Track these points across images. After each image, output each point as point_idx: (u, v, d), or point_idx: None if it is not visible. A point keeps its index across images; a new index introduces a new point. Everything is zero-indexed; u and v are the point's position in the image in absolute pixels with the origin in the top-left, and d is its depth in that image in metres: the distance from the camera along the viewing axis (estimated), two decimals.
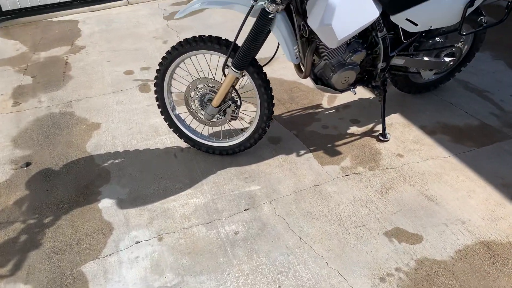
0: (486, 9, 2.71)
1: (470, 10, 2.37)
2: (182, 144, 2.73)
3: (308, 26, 2.15)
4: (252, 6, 2.05)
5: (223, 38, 2.28)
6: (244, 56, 2.18)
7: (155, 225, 2.17)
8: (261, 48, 2.23)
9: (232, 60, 2.24)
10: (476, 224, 2.06)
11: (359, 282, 1.83)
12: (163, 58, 2.38)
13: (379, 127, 2.77)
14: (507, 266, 1.86)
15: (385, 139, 2.64)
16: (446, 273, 1.84)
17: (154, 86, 2.49)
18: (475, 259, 1.89)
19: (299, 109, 3.03)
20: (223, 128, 2.80)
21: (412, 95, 3.07)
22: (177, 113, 2.60)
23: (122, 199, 2.34)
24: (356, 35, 2.33)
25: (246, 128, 2.56)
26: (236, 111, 2.42)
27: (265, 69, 2.33)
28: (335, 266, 1.90)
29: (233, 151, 2.58)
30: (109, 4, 5.21)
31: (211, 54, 2.33)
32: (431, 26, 2.38)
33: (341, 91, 2.47)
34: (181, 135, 2.62)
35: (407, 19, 2.32)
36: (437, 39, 2.61)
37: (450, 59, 2.67)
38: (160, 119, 2.98)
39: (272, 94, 2.35)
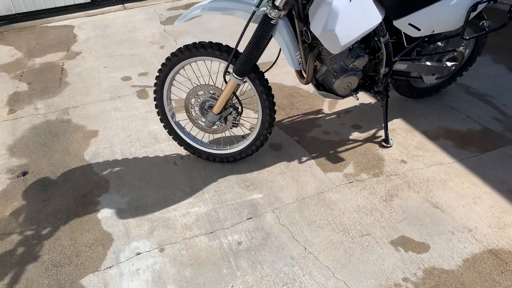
0: (485, 13, 2.68)
1: (473, 14, 2.35)
2: (182, 151, 2.69)
3: (311, 32, 2.12)
4: (254, 12, 2.02)
5: (224, 44, 2.24)
6: (245, 63, 2.14)
7: (156, 236, 2.12)
8: None
9: (233, 66, 2.20)
10: (483, 231, 2.03)
11: None
12: (163, 64, 2.34)
13: (381, 133, 2.74)
14: None
15: (388, 145, 2.61)
16: (454, 283, 1.80)
17: (154, 93, 2.45)
18: (483, 268, 1.86)
19: (299, 114, 3.00)
20: (223, 135, 2.75)
21: (414, 99, 3.05)
22: (177, 120, 2.56)
23: (122, 209, 2.29)
24: (358, 40, 2.30)
25: (247, 134, 2.52)
26: (238, 118, 2.38)
27: (265, 75, 2.29)
28: (341, 276, 1.86)
29: (234, 159, 2.54)
30: (104, 9, 5.17)
31: (211, 61, 2.29)
32: (433, 31, 2.35)
33: (343, 96, 2.44)
34: (181, 142, 2.58)
35: (409, 24, 2.29)
36: (439, 43, 2.58)
37: (452, 63, 2.64)
38: (159, 126, 2.94)
39: (274, 100, 2.32)
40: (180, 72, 2.39)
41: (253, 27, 2.12)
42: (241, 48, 2.55)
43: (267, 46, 2.15)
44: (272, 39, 2.15)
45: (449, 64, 2.64)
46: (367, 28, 2.11)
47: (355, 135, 2.74)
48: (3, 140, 2.89)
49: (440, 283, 1.81)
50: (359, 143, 2.66)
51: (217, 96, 2.35)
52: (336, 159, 2.54)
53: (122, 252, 2.04)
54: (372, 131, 2.76)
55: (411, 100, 3.05)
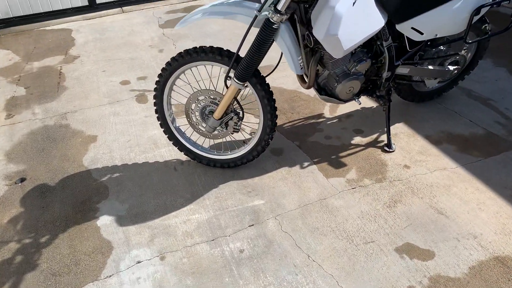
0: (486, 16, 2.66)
1: (476, 18, 2.33)
2: (182, 156, 2.66)
3: (313, 36, 2.09)
4: (256, 17, 1.99)
5: (225, 48, 2.21)
6: (247, 68, 2.12)
7: (156, 243, 2.09)
8: None
9: (234, 71, 2.17)
10: (488, 238, 2.00)
11: None
12: (163, 69, 2.31)
13: (383, 137, 2.72)
14: None
15: (390, 150, 2.59)
16: None
17: (154, 98, 2.42)
18: (490, 275, 1.83)
19: (300, 119, 2.97)
20: (224, 140, 2.72)
21: (416, 103, 3.03)
22: (177, 125, 2.53)
23: (122, 216, 2.26)
24: (360, 44, 2.27)
25: (248, 139, 2.49)
26: (239, 123, 2.35)
27: (266, 79, 2.26)
28: (345, 285, 1.83)
29: (235, 164, 2.51)
30: (102, 12, 5.13)
31: (212, 66, 2.26)
32: (436, 35, 2.33)
33: (345, 101, 2.42)
34: (182, 148, 2.54)
35: (412, 28, 2.27)
36: (441, 47, 2.56)
37: (454, 67, 2.62)
38: (158, 131, 2.90)
39: (276, 105, 2.29)
40: (180, 77, 2.36)
41: (253, 30, 2.10)
42: (241, 52, 2.52)
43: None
44: (273, 43, 2.12)
45: (451, 68, 2.62)
46: (370, 32, 2.08)
47: (357, 139, 2.71)
48: (0, 145, 2.85)
49: None
50: (361, 148, 2.64)
51: (218, 101, 2.32)
52: (338, 164, 2.51)
53: (122, 260, 2.01)
54: (374, 136, 2.73)
55: (413, 104, 3.03)
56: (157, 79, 2.35)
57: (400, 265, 1.90)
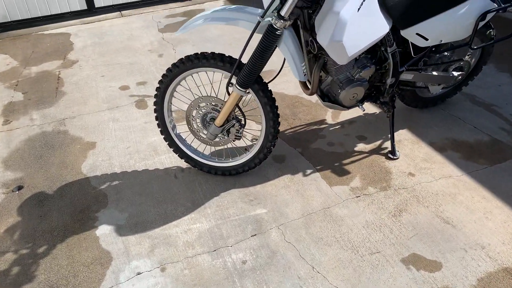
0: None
1: (481, 23, 2.29)
2: (182, 164, 2.61)
3: (317, 42, 2.06)
4: (259, 23, 1.95)
5: (226, 54, 2.17)
6: (249, 74, 2.07)
7: (157, 254, 2.04)
8: None
9: (236, 78, 2.13)
10: (496, 249, 1.96)
11: None
12: (163, 76, 2.27)
13: (387, 144, 2.68)
14: None
15: (394, 157, 2.54)
16: None
17: (154, 105, 2.37)
18: None
19: (302, 125, 2.93)
20: (225, 147, 2.68)
21: (419, 109, 2.99)
22: (177, 132, 2.48)
23: (121, 225, 2.21)
24: (365, 50, 2.23)
25: (250, 146, 2.45)
26: (240, 130, 2.31)
27: (268, 85, 2.22)
28: None
29: (236, 172, 2.46)
30: (101, 16, 5.09)
31: (213, 72, 2.22)
32: (441, 41, 2.30)
33: (349, 107, 2.38)
34: (182, 155, 2.50)
35: (417, 34, 2.24)
36: (445, 53, 2.53)
37: (458, 73, 2.59)
38: (158, 137, 2.86)
39: (278, 112, 2.25)
40: (181, 83, 2.32)
41: (255, 36, 2.06)
42: (241, 58, 2.48)
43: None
44: (276, 49, 2.08)
45: (455, 73, 2.58)
46: (375, 38, 2.05)
47: (361, 146, 2.67)
48: None
49: None
50: (365, 155, 2.60)
51: (219, 108, 2.28)
52: (341, 172, 2.47)
53: (122, 271, 1.96)
54: (378, 142, 2.69)
55: (416, 110, 2.99)
56: (158, 85, 2.31)
57: (407, 277, 1.85)
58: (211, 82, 2.39)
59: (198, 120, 2.36)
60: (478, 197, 2.25)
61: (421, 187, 2.33)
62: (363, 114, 2.99)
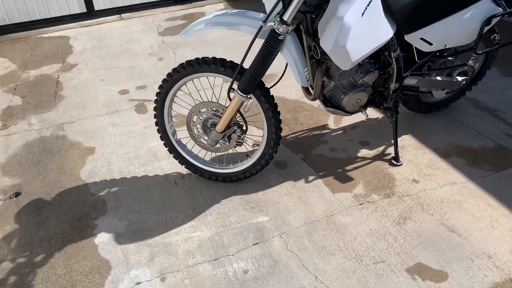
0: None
1: (487, 28, 2.26)
2: (183, 170, 2.57)
3: (320, 47, 2.02)
4: (261, 27, 1.91)
5: (225, 57, 2.13)
6: (251, 80, 2.04)
7: (156, 263, 2.00)
8: None
9: (238, 83, 2.09)
10: (503, 258, 1.92)
11: None
12: (164, 81, 2.23)
13: (390, 150, 2.64)
14: None
15: (398, 163, 2.51)
16: None
17: (154, 110, 2.34)
18: None
19: (304, 130, 2.89)
20: (226, 153, 2.64)
21: (422, 114, 2.95)
22: (178, 138, 2.45)
23: (120, 233, 2.17)
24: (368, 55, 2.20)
25: (251, 151, 2.41)
26: (242, 136, 2.27)
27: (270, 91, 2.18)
28: None
29: (237, 178, 2.42)
30: (101, 19, 5.06)
31: (214, 77, 2.19)
32: (446, 45, 2.26)
33: (352, 113, 2.34)
34: (182, 161, 2.46)
35: (421, 39, 2.20)
36: (449, 57, 2.49)
37: (462, 78, 2.55)
38: (158, 142, 2.82)
39: (280, 118, 2.21)
40: (181, 88, 2.28)
41: (256, 41, 2.02)
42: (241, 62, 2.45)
43: None
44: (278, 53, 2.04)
45: (459, 78, 2.55)
46: (379, 43, 2.01)
47: (364, 152, 2.63)
48: None
49: None
50: (368, 160, 2.56)
51: (221, 113, 2.24)
52: (344, 179, 2.43)
53: (121, 281, 1.92)
54: (381, 148, 2.65)
55: (420, 115, 2.95)
56: (158, 90, 2.27)
57: (412, 287, 1.81)
58: (211, 87, 2.35)
59: (198, 126, 2.32)
60: (484, 205, 2.21)
61: (426, 194, 2.29)
62: (366, 119, 2.95)
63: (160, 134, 2.41)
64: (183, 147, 2.46)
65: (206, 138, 2.33)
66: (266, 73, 3.42)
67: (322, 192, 2.34)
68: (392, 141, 2.69)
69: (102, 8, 5.13)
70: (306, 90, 2.34)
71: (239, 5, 5.35)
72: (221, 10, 5.23)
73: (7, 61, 4.15)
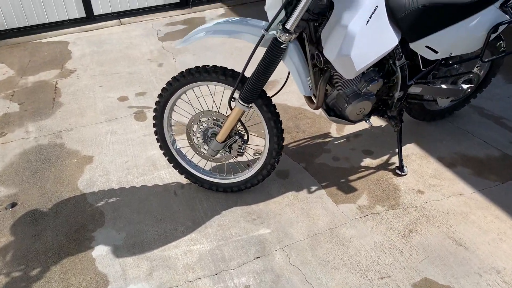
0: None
1: (493, 36, 2.21)
2: (182, 179, 2.52)
3: (323, 56, 1.97)
4: (263, 36, 1.86)
5: (229, 68, 2.09)
6: (253, 89, 1.99)
7: (155, 278, 1.94)
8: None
9: (239, 92, 2.04)
10: None
11: None
12: (163, 89, 2.18)
13: (394, 159, 2.58)
14: None
15: (402, 173, 2.45)
16: None
17: (153, 119, 2.29)
18: None
19: (306, 138, 2.84)
20: (227, 162, 2.59)
21: (426, 122, 2.90)
22: (177, 147, 2.39)
23: (118, 246, 2.11)
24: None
25: (252, 161, 2.36)
26: (243, 146, 2.22)
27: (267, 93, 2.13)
28: None
29: (238, 188, 2.37)
30: (100, 24, 5.01)
31: (215, 86, 2.14)
32: (451, 53, 2.22)
33: (355, 122, 2.29)
34: (182, 170, 2.41)
35: (427, 46, 2.15)
36: (453, 65, 2.44)
37: (468, 85, 2.51)
38: (157, 151, 2.77)
39: (282, 127, 2.16)
40: (181, 97, 2.23)
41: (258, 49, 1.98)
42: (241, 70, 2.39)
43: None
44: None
45: (464, 86, 2.50)
46: (383, 51, 1.96)
47: (367, 161, 2.58)
48: None
49: None
50: (372, 170, 2.50)
51: (221, 123, 2.19)
52: (348, 189, 2.38)
53: None
54: (385, 157, 2.60)
55: (424, 123, 2.90)
56: (157, 99, 2.22)
57: None
58: (212, 95, 2.30)
59: (199, 135, 2.27)
60: (491, 217, 2.15)
61: (431, 206, 2.24)
62: (369, 127, 2.90)
63: (159, 144, 2.35)
64: (183, 156, 2.40)
65: (206, 148, 2.28)
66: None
67: (325, 203, 2.29)
68: (396, 150, 2.64)
69: (102, 12, 5.08)
70: (308, 98, 2.29)
71: (239, 9, 5.31)
72: (222, 14, 5.19)
73: (5, 66, 4.10)
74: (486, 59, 2.37)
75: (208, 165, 2.54)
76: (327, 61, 2.00)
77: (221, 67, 2.07)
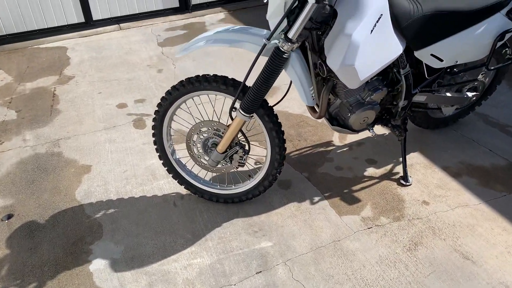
0: None
1: (500, 43, 2.17)
2: (182, 190, 2.47)
3: (326, 65, 1.92)
4: (265, 45, 1.81)
5: (230, 77, 2.04)
6: (254, 99, 1.94)
7: None
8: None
9: (240, 102, 1.99)
10: None
11: None
12: (162, 99, 2.13)
13: (398, 168, 2.53)
14: None
15: (407, 183, 2.40)
16: None
17: (152, 129, 2.24)
18: None
19: (308, 147, 2.79)
20: (228, 172, 2.53)
21: (430, 130, 2.85)
22: (177, 157, 2.34)
23: (116, 260, 2.06)
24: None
25: (253, 170, 2.31)
26: (244, 157, 2.17)
27: (268, 102, 2.08)
28: None
29: (239, 199, 2.32)
30: (99, 29, 4.97)
31: (216, 95, 2.09)
32: (457, 61, 2.17)
33: (359, 131, 2.24)
34: (182, 181, 2.36)
35: (432, 55, 2.11)
36: (458, 73, 2.40)
37: (473, 93, 2.46)
38: (157, 160, 2.72)
39: (284, 137, 2.11)
40: (181, 106, 2.18)
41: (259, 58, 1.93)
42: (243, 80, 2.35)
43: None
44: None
45: (470, 94, 2.46)
46: (388, 60, 1.92)
47: (371, 171, 2.53)
48: None
49: None
50: (376, 180, 2.45)
51: (222, 133, 2.14)
52: (351, 200, 2.33)
53: None
54: (389, 167, 2.55)
55: (427, 131, 2.85)
56: (156, 108, 2.17)
57: None
58: (213, 107, 2.26)
59: (199, 146, 2.22)
60: (499, 229, 2.10)
61: (437, 217, 2.18)
62: (372, 135, 2.85)
63: (158, 154, 2.31)
64: (183, 167, 2.36)
65: (206, 158, 2.23)
66: None
67: (328, 215, 2.24)
68: (400, 159, 2.60)
69: (101, 17, 5.04)
70: (311, 108, 2.24)
71: (239, 14, 5.26)
72: (222, 19, 5.15)
73: (3, 73, 4.05)
74: (492, 67, 2.32)
75: (208, 175, 2.49)
76: (330, 70, 1.95)
77: (221, 76, 2.03)
